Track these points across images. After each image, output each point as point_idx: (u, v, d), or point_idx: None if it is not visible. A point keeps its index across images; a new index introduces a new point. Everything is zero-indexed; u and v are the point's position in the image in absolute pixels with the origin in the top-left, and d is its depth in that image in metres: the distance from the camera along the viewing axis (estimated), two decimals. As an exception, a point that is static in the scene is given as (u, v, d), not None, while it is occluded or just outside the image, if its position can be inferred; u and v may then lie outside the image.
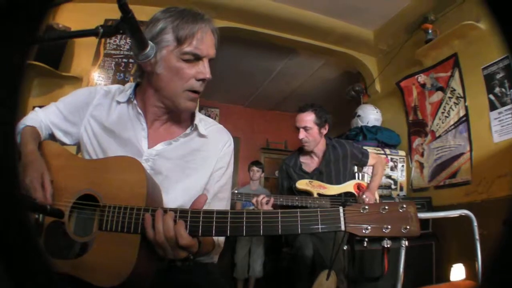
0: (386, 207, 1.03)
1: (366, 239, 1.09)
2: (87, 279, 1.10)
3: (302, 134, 3.20)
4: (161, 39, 1.34)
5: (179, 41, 1.34)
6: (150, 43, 1.23)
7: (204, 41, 1.37)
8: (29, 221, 0.75)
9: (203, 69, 1.38)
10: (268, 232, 1.04)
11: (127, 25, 1.09)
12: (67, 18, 3.49)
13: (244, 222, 1.05)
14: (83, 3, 3.88)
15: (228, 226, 1.06)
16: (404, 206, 1.03)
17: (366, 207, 1.03)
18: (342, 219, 1.02)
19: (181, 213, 1.10)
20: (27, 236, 0.57)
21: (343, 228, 1.02)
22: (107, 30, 1.09)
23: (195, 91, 1.39)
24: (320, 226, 1.02)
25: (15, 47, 0.54)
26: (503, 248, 0.57)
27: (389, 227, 1.01)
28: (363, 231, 1.01)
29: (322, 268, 2.60)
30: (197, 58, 1.37)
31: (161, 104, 1.45)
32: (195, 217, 1.09)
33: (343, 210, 1.03)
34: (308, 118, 3.22)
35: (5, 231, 0.53)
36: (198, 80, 1.38)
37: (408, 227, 1.00)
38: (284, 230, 1.04)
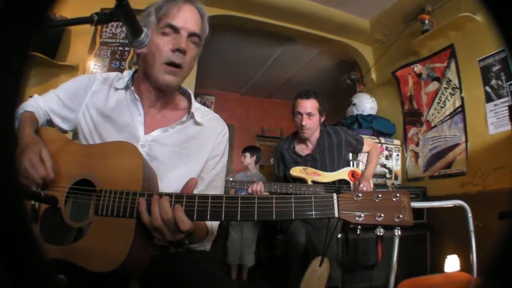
0: (380, 196, 1.04)
1: (359, 227, 1.10)
2: (83, 264, 1.11)
3: (305, 121, 3.19)
4: (147, 21, 1.42)
5: (159, 19, 1.41)
6: (145, 30, 1.26)
7: (181, 14, 1.41)
8: (22, 208, 0.76)
9: (179, 39, 1.40)
10: (262, 217, 1.05)
11: (121, 12, 1.10)
12: (64, 8, 3.45)
13: (239, 207, 1.06)
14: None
15: (223, 211, 1.07)
16: (398, 195, 1.03)
17: (360, 194, 1.04)
18: (335, 206, 1.03)
19: (176, 198, 1.11)
20: (19, 222, 0.57)
21: (336, 215, 1.03)
22: (102, 18, 1.10)
23: (172, 64, 1.40)
24: (314, 212, 1.03)
25: (19, 33, 0.55)
26: (505, 244, 0.57)
27: (382, 215, 1.01)
28: (356, 218, 1.02)
29: (315, 255, 2.61)
30: (174, 30, 1.41)
31: (151, 88, 1.48)
32: (191, 202, 1.10)
33: (337, 197, 1.04)
34: (313, 105, 3.22)
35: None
36: (174, 51, 1.39)
37: (401, 216, 1.01)
38: (278, 215, 1.04)
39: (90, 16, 1.09)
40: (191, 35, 1.43)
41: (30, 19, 0.56)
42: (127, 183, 1.17)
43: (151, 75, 1.43)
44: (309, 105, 3.21)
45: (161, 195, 1.11)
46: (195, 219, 1.10)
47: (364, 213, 1.02)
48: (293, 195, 1.05)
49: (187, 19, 1.42)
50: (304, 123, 3.18)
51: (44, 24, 0.61)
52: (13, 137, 0.58)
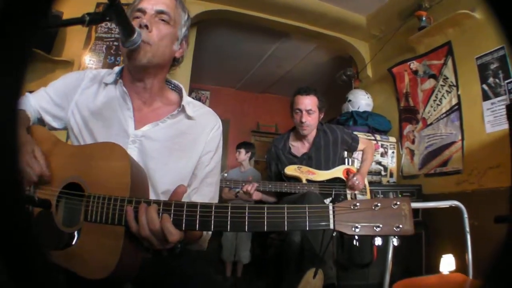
0: (379, 204, 0.98)
1: (357, 237, 1.05)
2: (76, 270, 1.09)
3: (305, 117, 3.17)
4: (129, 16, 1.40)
5: (133, 8, 1.43)
6: (137, 29, 1.24)
7: None
8: (23, 207, 0.75)
9: (142, 16, 1.41)
10: (253, 229, 1.01)
11: (113, 12, 1.09)
12: (62, 3, 3.42)
13: (229, 217, 1.02)
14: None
15: (212, 221, 1.03)
16: (398, 202, 0.97)
17: (357, 204, 0.99)
18: (331, 217, 0.98)
19: (164, 206, 1.07)
20: (20, 222, 0.56)
21: (332, 226, 0.98)
22: (94, 18, 1.08)
23: None
24: (307, 224, 0.98)
25: (19, 33, 0.54)
26: (505, 246, 0.56)
27: (381, 226, 0.96)
28: (353, 229, 0.97)
29: (311, 256, 2.59)
30: (142, 12, 1.40)
31: (131, 78, 1.47)
32: (179, 210, 1.06)
33: (333, 208, 0.99)
34: (312, 101, 3.20)
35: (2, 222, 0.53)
36: (140, 28, 1.37)
37: (401, 226, 0.96)
38: (270, 226, 1.00)
39: (82, 16, 1.07)
40: (158, 12, 1.42)
41: (29, 19, 0.54)
42: (115, 187, 1.14)
43: (124, 61, 1.44)
44: (309, 102, 3.19)
45: (149, 203, 1.08)
46: (183, 228, 1.06)
47: (361, 224, 0.97)
48: (285, 205, 1.01)
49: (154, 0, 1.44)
50: (304, 120, 3.16)
51: (42, 24, 0.59)
52: (16, 137, 0.57)
